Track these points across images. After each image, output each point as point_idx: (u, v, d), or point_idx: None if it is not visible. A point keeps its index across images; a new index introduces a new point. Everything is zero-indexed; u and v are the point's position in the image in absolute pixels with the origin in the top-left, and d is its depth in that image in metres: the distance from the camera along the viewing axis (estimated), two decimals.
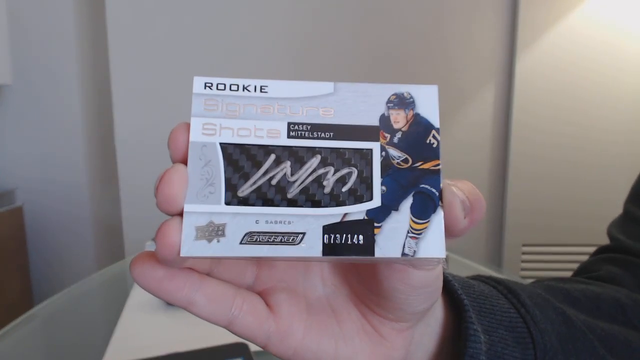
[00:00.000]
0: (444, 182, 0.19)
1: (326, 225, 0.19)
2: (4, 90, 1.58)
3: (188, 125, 0.19)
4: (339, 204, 0.19)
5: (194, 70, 1.47)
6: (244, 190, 0.19)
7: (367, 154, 0.19)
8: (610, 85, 1.49)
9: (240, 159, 0.19)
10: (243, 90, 0.21)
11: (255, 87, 0.20)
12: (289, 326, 0.21)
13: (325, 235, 0.19)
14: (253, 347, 0.50)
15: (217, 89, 0.21)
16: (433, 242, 0.19)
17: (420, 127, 0.20)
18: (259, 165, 0.19)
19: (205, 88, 0.21)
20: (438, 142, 0.20)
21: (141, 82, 1.47)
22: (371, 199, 0.19)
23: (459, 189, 0.19)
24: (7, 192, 1.56)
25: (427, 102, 0.20)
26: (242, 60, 1.48)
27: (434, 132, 0.20)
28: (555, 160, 1.52)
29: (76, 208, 1.63)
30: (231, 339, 0.52)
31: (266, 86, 0.20)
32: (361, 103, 0.20)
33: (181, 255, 0.18)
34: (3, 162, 1.62)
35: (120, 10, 1.43)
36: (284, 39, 1.48)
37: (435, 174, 0.19)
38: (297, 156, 0.19)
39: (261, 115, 0.20)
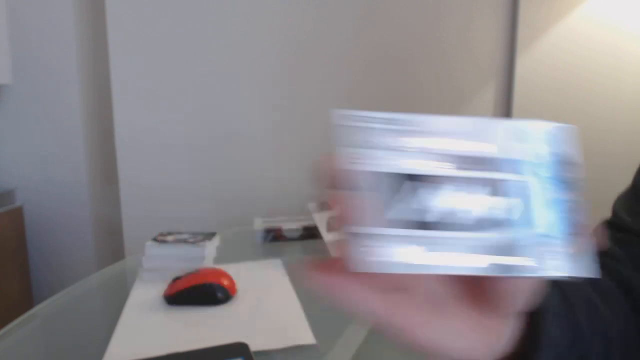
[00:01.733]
0: (585, 212, 0.23)
1: (493, 247, 0.21)
2: (4, 90, 1.58)
3: (351, 156, 0.20)
4: (505, 229, 0.21)
5: (194, 70, 1.47)
6: (415, 215, 0.20)
7: (527, 186, 0.22)
8: (610, 85, 1.49)
9: (408, 187, 0.21)
10: (396, 124, 0.21)
11: (410, 121, 0.21)
12: (411, 320, 0.23)
13: (494, 256, 0.21)
14: (253, 347, 0.50)
15: (371, 122, 0.21)
16: (587, 263, 0.22)
17: (567, 163, 0.23)
18: (427, 193, 0.21)
19: (357, 121, 0.21)
20: (581, 177, 0.23)
21: (141, 81, 1.47)
22: (534, 225, 0.22)
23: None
24: (7, 192, 1.56)
25: (572, 141, 0.23)
26: (242, 59, 1.48)
27: (577, 168, 0.23)
28: None
29: (76, 208, 1.63)
30: (231, 339, 0.52)
31: (422, 121, 0.21)
32: (518, 138, 0.22)
33: (358, 270, 0.20)
34: (3, 162, 1.62)
35: (121, 10, 1.43)
36: (284, 38, 1.48)
37: (581, 205, 0.23)
38: (464, 186, 0.21)
39: (421, 148, 0.21)
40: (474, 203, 0.21)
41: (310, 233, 1.01)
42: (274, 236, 1.01)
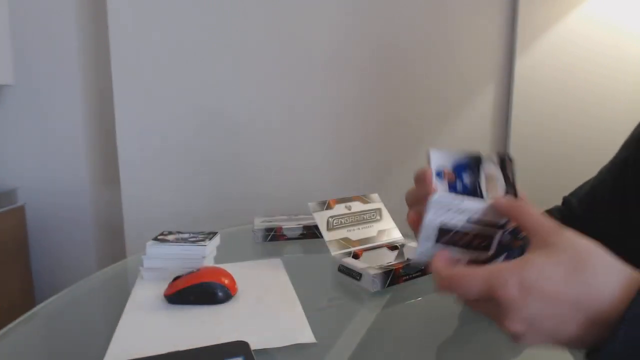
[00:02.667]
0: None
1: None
2: (6, 90, 1.58)
3: (433, 211, 0.43)
4: (483, 250, 0.45)
5: (195, 71, 1.48)
6: (444, 240, 0.44)
7: (496, 233, 0.44)
8: (609, 85, 1.50)
9: (446, 232, 0.43)
10: (458, 202, 0.43)
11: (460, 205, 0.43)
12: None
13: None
14: (253, 346, 0.50)
15: (446, 203, 0.43)
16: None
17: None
18: (451, 232, 0.43)
19: (441, 200, 0.43)
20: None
21: (142, 82, 1.47)
22: (489, 249, 0.45)
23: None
24: (9, 191, 1.57)
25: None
26: (243, 60, 1.49)
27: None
28: (554, 158, 1.52)
29: (77, 207, 1.63)
30: (231, 337, 0.52)
31: (461, 200, 0.43)
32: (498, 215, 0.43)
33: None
34: (5, 162, 1.62)
35: (122, 11, 1.44)
36: (284, 38, 1.48)
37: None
38: (471, 230, 0.44)
39: (458, 215, 0.43)
40: (473, 239, 0.44)
41: (310, 232, 1.01)
42: (274, 236, 1.02)
